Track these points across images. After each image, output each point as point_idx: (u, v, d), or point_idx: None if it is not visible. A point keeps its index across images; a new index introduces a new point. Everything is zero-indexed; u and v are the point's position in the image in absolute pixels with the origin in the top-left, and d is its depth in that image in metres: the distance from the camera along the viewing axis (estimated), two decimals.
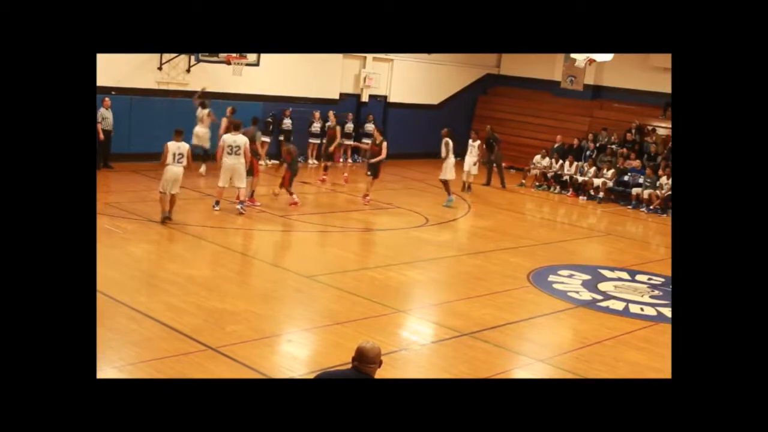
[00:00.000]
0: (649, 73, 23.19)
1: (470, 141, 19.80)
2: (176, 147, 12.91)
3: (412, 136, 24.65)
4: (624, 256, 14.51)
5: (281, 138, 20.94)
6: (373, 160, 16.49)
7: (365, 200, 16.63)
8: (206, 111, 18.00)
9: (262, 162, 18.37)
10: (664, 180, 19.28)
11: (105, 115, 17.47)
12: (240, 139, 14.22)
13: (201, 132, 17.83)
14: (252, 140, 15.19)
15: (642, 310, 10.88)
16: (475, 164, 19.74)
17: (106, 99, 17.29)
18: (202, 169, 17.67)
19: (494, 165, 21.14)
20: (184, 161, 12.94)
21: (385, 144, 16.52)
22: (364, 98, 23.73)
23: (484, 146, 21.61)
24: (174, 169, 12.90)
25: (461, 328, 9.35)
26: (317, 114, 21.63)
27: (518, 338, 9.44)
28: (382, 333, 8.83)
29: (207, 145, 17.83)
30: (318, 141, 21.59)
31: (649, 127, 22.77)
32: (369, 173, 16.67)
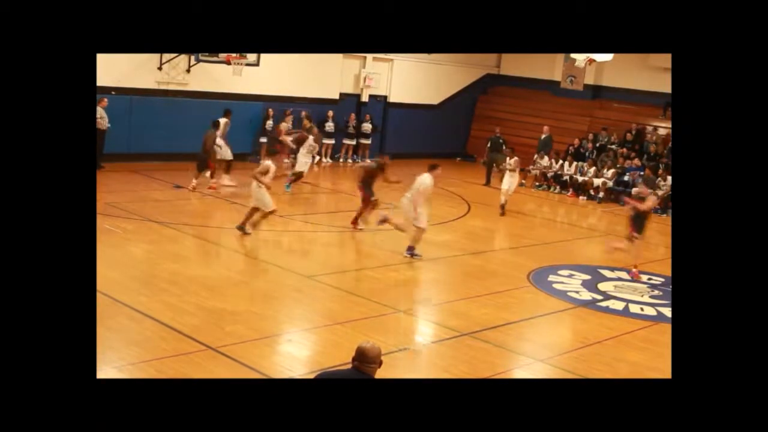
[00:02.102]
0: (649, 73, 23.18)
1: (507, 159, 17.73)
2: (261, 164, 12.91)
3: (412, 136, 24.66)
4: (624, 256, 14.49)
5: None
6: (642, 207, 12.53)
7: (635, 273, 12.52)
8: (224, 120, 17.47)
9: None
10: (668, 179, 19.26)
11: (101, 114, 17.37)
12: (425, 182, 12.43)
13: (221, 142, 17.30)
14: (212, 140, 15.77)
15: (642, 310, 10.88)
16: (518, 183, 17.61)
17: (104, 99, 17.24)
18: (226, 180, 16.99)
19: (495, 165, 21.16)
20: (262, 178, 12.61)
21: (653, 198, 13.25)
22: (364, 98, 23.73)
23: (489, 146, 21.66)
24: (252, 184, 12.84)
25: (461, 328, 9.35)
26: (304, 113, 21.46)
27: (518, 338, 9.44)
28: (382, 333, 8.83)
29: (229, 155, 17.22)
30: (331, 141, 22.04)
31: (650, 127, 22.77)
32: (635, 234, 12.48)
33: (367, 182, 13.84)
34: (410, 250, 12.41)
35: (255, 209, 12.73)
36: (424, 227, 12.43)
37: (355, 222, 13.98)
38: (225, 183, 16.73)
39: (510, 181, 17.00)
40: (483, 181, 21.03)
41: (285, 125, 19.25)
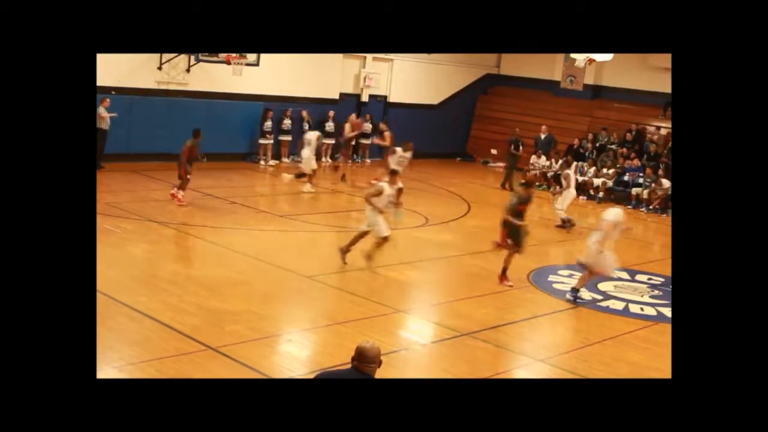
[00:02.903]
0: (649, 73, 23.17)
1: (566, 170, 16.76)
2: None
3: (412, 136, 24.57)
4: (624, 256, 14.47)
5: (281, 138, 21.05)
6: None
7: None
8: (316, 134, 17.81)
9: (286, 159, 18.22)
10: (663, 181, 19.26)
11: (102, 114, 17.33)
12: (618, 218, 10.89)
13: (306, 154, 17.36)
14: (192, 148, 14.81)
15: (642, 310, 10.88)
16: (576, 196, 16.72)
17: (107, 99, 17.24)
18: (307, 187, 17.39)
19: (507, 167, 21.11)
20: (376, 202, 11.33)
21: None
22: (364, 98, 23.73)
23: (511, 147, 21.42)
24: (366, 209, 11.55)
25: (461, 328, 9.35)
26: (305, 112, 21.50)
27: (518, 338, 9.45)
28: (382, 333, 8.83)
29: (307, 170, 17.35)
30: (332, 141, 21.97)
31: (651, 127, 22.75)
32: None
33: (511, 224, 11.33)
34: (576, 293, 10.79)
35: (365, 232, 11.51)
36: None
37: (503, 276, 11.37)
38: (304, 189, 17.27)
39: (563, 198, 16.25)
40: (484, 181, 20.98)
41: (348, 126, 19.39)
